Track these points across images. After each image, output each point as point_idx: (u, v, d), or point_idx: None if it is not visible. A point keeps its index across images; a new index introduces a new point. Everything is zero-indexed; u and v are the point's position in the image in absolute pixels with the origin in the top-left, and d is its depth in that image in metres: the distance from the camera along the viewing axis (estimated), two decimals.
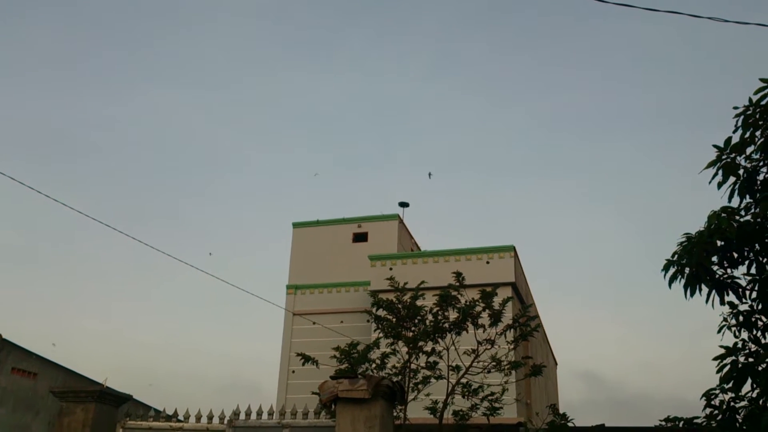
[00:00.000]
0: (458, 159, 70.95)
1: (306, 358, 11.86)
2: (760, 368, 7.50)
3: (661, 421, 8.54)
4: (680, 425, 8.34)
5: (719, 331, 8.15)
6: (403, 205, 28.56)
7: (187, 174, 68.41)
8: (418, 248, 29.39)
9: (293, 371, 24.22)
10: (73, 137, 64.34)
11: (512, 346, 12.33)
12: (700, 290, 8.31)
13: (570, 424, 11.70)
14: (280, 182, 69.24)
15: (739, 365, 7.80)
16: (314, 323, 23.88)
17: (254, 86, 70.70)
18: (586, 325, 66.27)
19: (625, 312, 70.54)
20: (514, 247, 23.47)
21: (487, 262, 23.17)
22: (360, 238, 27.54)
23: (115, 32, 64.69)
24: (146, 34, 65.54)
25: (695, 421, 8.25)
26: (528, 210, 70.71)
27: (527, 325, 12.45)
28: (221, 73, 68.73)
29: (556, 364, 37.02)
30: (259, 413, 9.92)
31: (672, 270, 8.32)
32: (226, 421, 9.84)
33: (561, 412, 12.20)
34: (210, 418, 9.99)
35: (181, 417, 10.08)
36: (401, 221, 27.95)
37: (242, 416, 9.89)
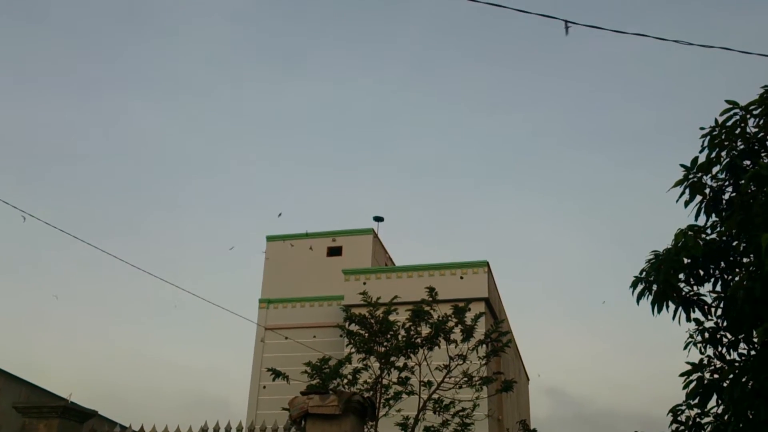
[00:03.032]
0: (433, 171, 71.32)
1: (276, 374, 11.78)
2: (724, 384, 7.61)
3: None
4: None
5: (685, 348, 8.29)
6: (378, 219, 28.54)
7: (161, 185, 67.79)
8: (393, 263, 29.38)
9: (264, 386, 23.96)
10: (44, 147, 63.47)
11: (484, 362, 12.38)
12: (668, 307, 8.45)
13: None
14: (255, 194, 68.90)
15: (705, 381, 7.92)
16: (286, 338, 23.70)
17: (227, 95, 70.43)
18: (555, 340, 66.68)
19: (595, 327, 71.19)
20: (488, 263, 23.59)
21: (461, 278, 23.25)
22: (334, 252, 27.46)
23: (86, 40, 64.11)
24: (118, 42, 65.02)
25: None
26: (502, 223, 71.21)
27: (499, 341, 12.52)
28: (193, 81, 68.39)
29: (528, 379, 37.12)
30: (228, 429, 9.77)
31: (640, 287, 8.46)
32: None
33: (532, 428, 12.28)
34: None
35: None
36: (376, 235, 27.94)
37: None
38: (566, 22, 6.58)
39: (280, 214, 33.58)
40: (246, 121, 70.39)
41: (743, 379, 6.91)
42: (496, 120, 69.97)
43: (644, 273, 8.44)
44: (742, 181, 7.56)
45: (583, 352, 68.13)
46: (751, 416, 6.92)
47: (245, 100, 69.63)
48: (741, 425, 7.02)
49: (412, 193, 69.83)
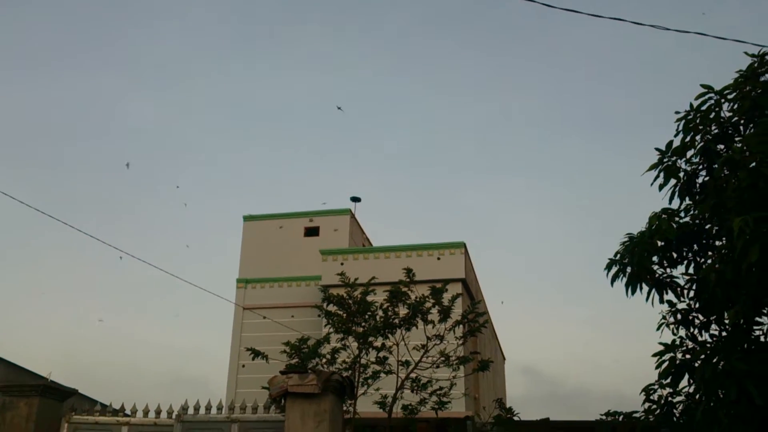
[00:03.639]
0: (411, 155, 71.39)
1: (255, 353, 11.84)
2: (696, 365, 7.80)
3: (601, 415, 8.82)
4: (620, 419, 8.62)
5: (658, 329, 8.46)
6: (355, 200, 28.55)
7: (140, 166, 67.04)
8: (370, 243, 29.46)
9: (243, 365, 23.99)
10: (36, 132, 62.34)
11: (461, 342, 12.53)
12: (641, 289, 8.61)
13: (516, 418, 11.98)
14: (233, 175, 68.43)
15: (677, 362, 8.10)
16: (264, 317, 23.72)
17: (212, 81, 69.61)
18: (531, 321, 67.58)
19: (570, 309, 72.20)
20: (465, 244, 23.75)
21: (438, 258, 23.39)
22: (312, 232, 27.44)
23: (80, 26, 62.86)
24: (113, 28, 63.78)
25: (634, 415, 8.53)
26: (480, 207, 71.62)
27: (476, 321, 12.67)
28: (179, 67, 67.50)
29: (504, 359, 37.62)
30: (208, 408, 9.84)
31: (614, 269, 8.60)
32: (174, 416, 9.73)
33: (507, 406, 12.48)
34: (158, 412, 9.86)
35: (128, 411, 9.93)
36: (353, 216, 27.96)
37: (190, 411, 9.79)
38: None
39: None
40: (228, 106, 69.67)
41: (714, 360, 7.08)
42: (478, 106, 70.11)
43: (618, 255, 8.60)
44: (716, 166, 7.69)
45: (557, 332, 69.15)
46: (721, 396, 7.09)
47: (231, 85, 68.86)
48: (711, 404, 7.20)
49: (391, 177, 69.86)
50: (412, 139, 71.45)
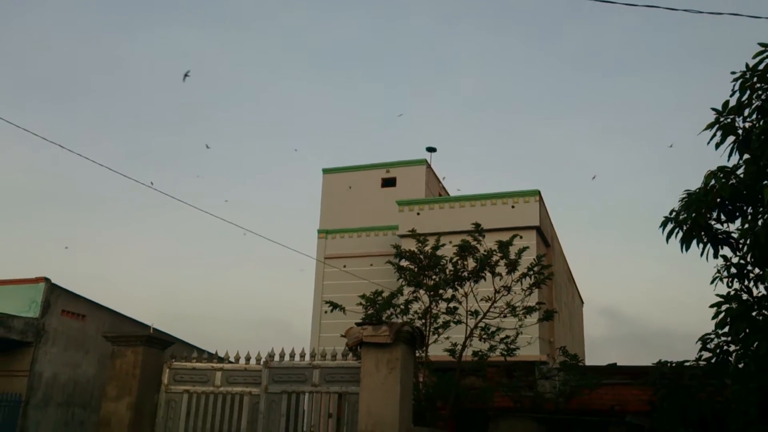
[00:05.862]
0: (485, 100, 70.51)
1: (333, 306, 12.79)
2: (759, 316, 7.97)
3: (653, 363, 9.20)
4: (672, 366, 8.99)
5: (712, 282, 8.70)
6: (431, 149, 28.97)
7: (216, 119, 69.29)
8: (446, 193, 29.92)
9: (326, 311, 25.26)
10: (93, 79, 65.37)
11: (527, 293, 13.07)
12: (698, 244, 8.84)
13: (580, 364, 12.55)
14: (311, 127, 69.78)
15: (738, 313, 8.35)
16: (344, 266, 24.81)
17: (278, 25, 70.54)
18: (610, 262, 66.74)
19: (651, 249, 70.66)
20: (539, 192, 23.88)
21: (513, 207, 23.65)
22: (389, 183, 28.14)
23: None
24: None
25: (685, 364, 8.88)
26: (556, 148, 70.39)
27: (541, 273, 13.15)
28: (243, 10, 68.62)
29: (582, 303, 37.68)
30: (292, 355, 10.83)
31: (669, 226, 8.86)
32: (262, 362, 10.77)
33: (573, 353, 13.06)
34: (248, 359, 10.93)
35: (222, 357, 11.10)
36: (429, 166, 28.42)
37: (276, 358, 10.82)
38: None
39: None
40: (299, 52, 70.53)
41: (752, 314, 7.33)
42: (547, 48, 68.08)
43: (674, 213, 8.84)
44: (754, 136, 7.77)
45: (638, 272, 68.05)
46: (753, 349, 7.37)
47: (297, 30, 69.56)
48: (746, 359, 7.49)
49: (465, 125, 69.42)
50: (484, 84, 70.41)
